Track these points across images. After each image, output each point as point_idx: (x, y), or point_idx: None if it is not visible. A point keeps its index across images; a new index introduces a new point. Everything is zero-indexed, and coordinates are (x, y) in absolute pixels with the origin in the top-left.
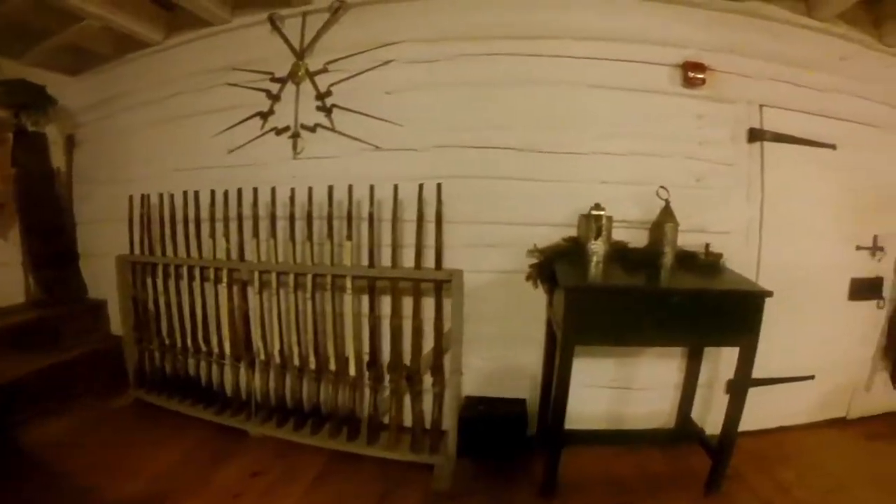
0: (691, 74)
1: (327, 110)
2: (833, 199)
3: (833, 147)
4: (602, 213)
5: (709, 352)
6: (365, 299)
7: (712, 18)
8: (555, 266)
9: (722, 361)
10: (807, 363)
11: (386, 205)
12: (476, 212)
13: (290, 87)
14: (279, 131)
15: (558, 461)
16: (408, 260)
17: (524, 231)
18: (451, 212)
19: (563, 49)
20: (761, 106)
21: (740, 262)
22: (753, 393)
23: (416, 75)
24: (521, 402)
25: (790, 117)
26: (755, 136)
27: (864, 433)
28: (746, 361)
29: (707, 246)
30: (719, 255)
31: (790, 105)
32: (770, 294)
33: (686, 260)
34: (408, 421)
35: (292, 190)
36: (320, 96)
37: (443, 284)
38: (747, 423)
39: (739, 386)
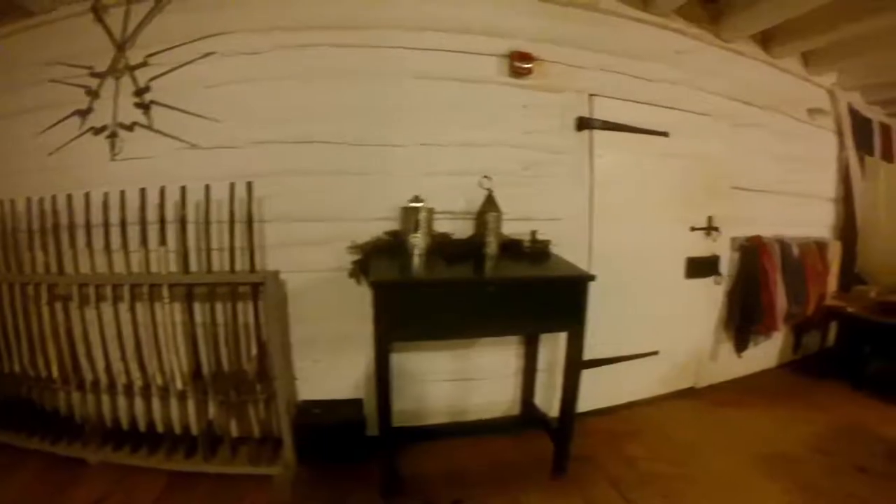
0: (518, 64)
1: (145, 107)
2: (667, 183)
3: (666, 135)
4: (420, 204)
5: (546, 336)
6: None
7: (543, 10)
8: (370, 262)
9: (561, 344)
10: (652, 340)
11: (205, 206)
12: (299, 209)
13: (109, 82)
14: (97, 131)
15: (395, 460)
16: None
17: (349, 227)
18: (272, 210)
19: (388, 39)
20: (591, 95)
21: (573, 248)
22: (603, 372)
23: (238, 68)
24: (358, 403)
25: (623, 107)
26: (584, 124)
27: (712, 401)
28: (575, 345)
29: (534, 233)
30: (546, 243)
31: (623, 95)
32: (592, 278)
33: (511, 248)
34: (246, 432)
35: (105, 195)
36: (139, 92)
37: (258, 287)
38: (600, 401)
39: (571, 369)
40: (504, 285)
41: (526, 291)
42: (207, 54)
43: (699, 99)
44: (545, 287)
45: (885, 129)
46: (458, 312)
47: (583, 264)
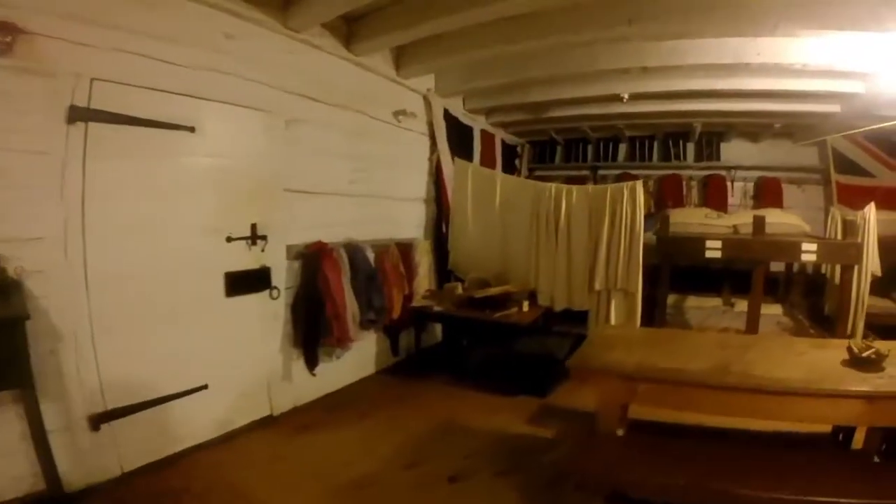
0: None
1: None
2: (197, 188)
3: (192, 129)
4: None
5: (47, 388)
6: None
7: None
8: None
9: (72, 394)
10: (198, 372)
11: None
12: None
13: None
14: None
15: None
16: None
17: None
18: None
19: None
20: (94, 80)
21: (60, 275)
22: (143, 419)
23: None
24: None
25: (142, 96)
26: (79, 115)
27: (294, 427)
28: (30, 409)
29: None
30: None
31: (144, 82)
32: (27, 317)
33: None
34: None
35: None
36: None
37: None
38: (151, 453)
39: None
40: None
41: None
42: None
43: (250, 91)
44: None
45: (488, 137)
46: None
47: (76, 294)
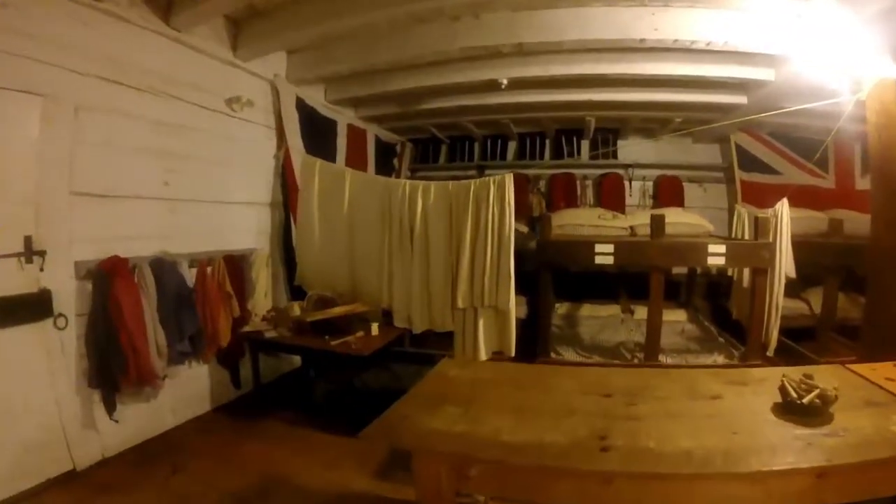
0: None
1: None
2: None
3: None
4: None
5: None
6: None
7: None
8: None
9: None
10: None
11: None
12: None
13: None
14: None
15: None
16: None
17: None
18: None
19: None
20: None
21: None
22: None
23: None
24: None
25: None
26: None
27: (99, 485)
28: None
29: None
30: None
31: None
32: None
33: None
34: None
35: None
36: None
37: None
38: None
39: None
40: None
41: None
42: None
43: (26, 71)
44: None
45: (357, 133)
46: None
47: None
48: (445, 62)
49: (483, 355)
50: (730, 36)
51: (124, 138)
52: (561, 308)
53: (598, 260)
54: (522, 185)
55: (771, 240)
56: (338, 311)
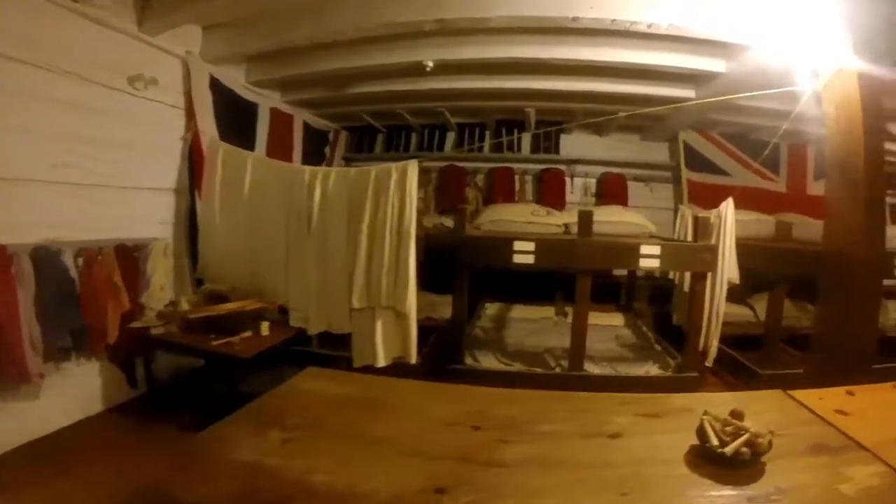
0: None
1: None
2: None
3: None
4: None
5: None
6: None
7: None
8: None
9: None
10: None
11: None
12: None
13: None
14: None
15: None
16: None
17: None
18: None
19: None
20: None
21: None
22: None
23: None
24: None
25: None
26: None
27: None
28: None
29: None
30: None
31: None
32: None
33: None
34: None
35: None
36: None
37: None
38: None
39: None
40: None
41: None
42: None
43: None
44: None
45: (283, 118)
46: None
47: None
48: (368, 41)
49: (382, 361)
50: (674, 18)
51: (10, 117)
52: (491, 308)
53: (517, 259)
54: (460, 179)
55: (713, 242)
56: (224, 307)
